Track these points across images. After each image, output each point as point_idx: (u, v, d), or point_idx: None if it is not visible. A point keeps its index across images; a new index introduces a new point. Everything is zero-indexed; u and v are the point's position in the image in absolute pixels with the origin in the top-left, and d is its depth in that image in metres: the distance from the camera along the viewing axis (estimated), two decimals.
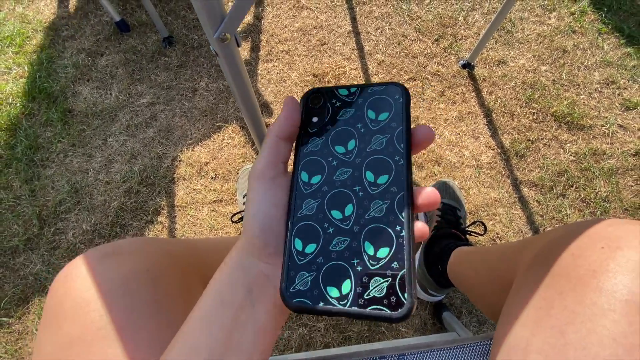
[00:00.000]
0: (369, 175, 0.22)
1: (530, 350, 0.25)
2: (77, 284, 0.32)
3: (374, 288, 0.19)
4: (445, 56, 1.09)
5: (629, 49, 1.07)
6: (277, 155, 0.24)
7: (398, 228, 0.20)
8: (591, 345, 0.22)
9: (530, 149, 0.97)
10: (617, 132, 0.97)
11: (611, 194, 0.90)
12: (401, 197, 0.21)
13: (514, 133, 0.99)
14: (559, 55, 1.08)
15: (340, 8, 1.17)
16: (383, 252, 0.20)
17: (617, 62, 1.06)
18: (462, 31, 1.12)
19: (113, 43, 1.12)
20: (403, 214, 0.21)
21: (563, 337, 0.24)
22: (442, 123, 1.00)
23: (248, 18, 1.16)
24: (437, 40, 1.11)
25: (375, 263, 0.20)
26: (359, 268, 0.20)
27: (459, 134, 0.99)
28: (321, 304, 0.20)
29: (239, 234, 0.83)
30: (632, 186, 0.91)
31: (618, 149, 0.95)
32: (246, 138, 0.99)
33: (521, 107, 1.01)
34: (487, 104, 1.02)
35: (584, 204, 0.90)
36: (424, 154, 0.96)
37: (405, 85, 1.05)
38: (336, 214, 0.22)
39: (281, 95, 1.05)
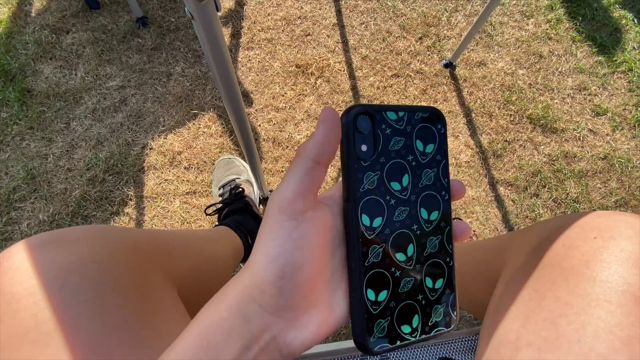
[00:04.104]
0: (424, 213, 0.22)
1: (520, 344, 0.24)
2: (7, 276, 0.27)
3: (435, 315, 0.22)
4: (429, 55, 1.09)
5: (600, 58, 1.12)
6: (312, 184, 0.19)
7: (447, 259, 0.23)
8: (586, 338, 0.21)
9: (507, 150, 0.98)
10: (587, 136, 1.01)
11: (581, 195, 0.94)
12: (449, 231, 0.23)
13: (492, 133, 1.00)
14: (536, 60, 1.11)
15: (325, 0, 1.15)
16: (439, 283, 0.23)
17: (589, 69, 1.10)
18: (445, 31, 1.13)
19: (81, 20, 1.04)
20: (450, 245, 0.23)
21: (556, 329, 0.23)
22: None
23: (229, 3, 1.11)
24: (420, 38, 1.11)
25: (435, 294, 0.22)
26: (423, 302, 0.22)
27: None
28: (398, 342, 0.21)
29: (214, 226, 0.78)
30: (600, 188, 0.95)
31: (588, 152, 0.99)
32: (224, 127, 0.95)
33: (499, 109, 1.03)
34: (467, 104, 1.03)
35: (556, 204, 0.93)
36: None
37: (389, 82, 1.05)
38: (400, 256, 0.22)
39: (262, 85, 1.01)
